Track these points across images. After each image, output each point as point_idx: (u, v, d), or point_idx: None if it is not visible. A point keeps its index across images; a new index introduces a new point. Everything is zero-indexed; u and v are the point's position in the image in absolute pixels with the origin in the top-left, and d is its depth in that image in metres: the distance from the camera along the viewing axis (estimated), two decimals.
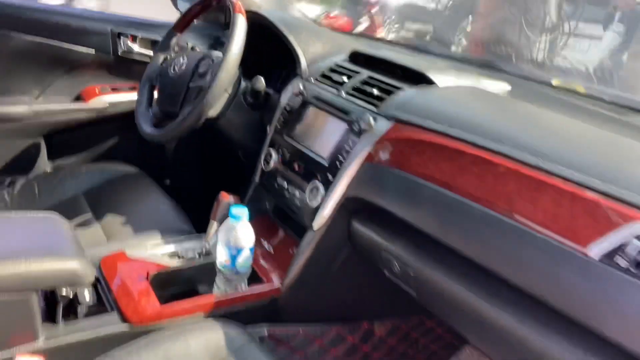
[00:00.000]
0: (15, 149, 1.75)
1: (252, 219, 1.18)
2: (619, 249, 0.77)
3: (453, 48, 2.32)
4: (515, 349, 0.89)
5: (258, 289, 1.22)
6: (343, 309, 1.32)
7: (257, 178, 1.46)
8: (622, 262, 0.76)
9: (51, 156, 1.82)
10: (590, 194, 0.83)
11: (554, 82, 1.48)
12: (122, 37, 1.81)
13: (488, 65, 1.65)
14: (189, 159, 1.96)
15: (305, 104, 1.38)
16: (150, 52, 1.84)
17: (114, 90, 1.84)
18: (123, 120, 1.81)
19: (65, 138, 1.81)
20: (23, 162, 1.76)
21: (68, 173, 1.72)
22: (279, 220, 1.44)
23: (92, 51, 1.79)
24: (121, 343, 1.00)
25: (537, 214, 0.86)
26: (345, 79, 1.35)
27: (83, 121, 1.79)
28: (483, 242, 0.92)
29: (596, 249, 0.79)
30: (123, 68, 1.85)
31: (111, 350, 0.98)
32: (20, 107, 1.71)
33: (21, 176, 1.74)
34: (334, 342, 1.31)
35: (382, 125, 1.15)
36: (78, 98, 1.81)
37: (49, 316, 1.06)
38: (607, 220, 0.80)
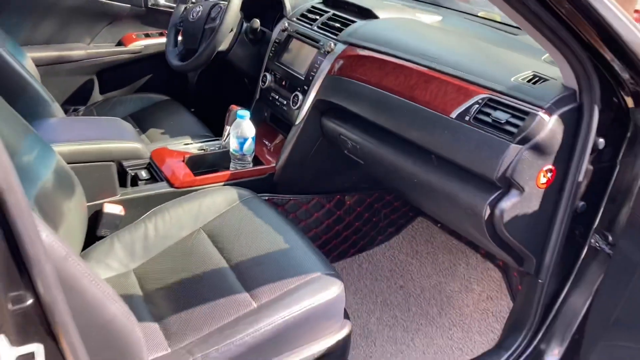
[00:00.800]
0: (76, 84, 2.29)
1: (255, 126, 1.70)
2: (467, 111, 1.28)
3: None
4: (412, 182, 1.42)
5: (259, 167, 1.76)
6: (321, 184, 1.86)
7: (257, 95, 1.98)
8: (467, 118, 1.27)
9: (102, 89, 2.36)
10: (457, 81, 1.33)
11: (480, 13, 1.93)
12: None
13: (438, 4, 2.11)
14: (207, 86, 2.47)
15: (289, 37, 1.88)
16: (173, 4, 2.34)
17: (147, 35, 2.35)
18: (155, 59, 2.33)
19: (112, 74, 2.34)
20: (82, 94, 2.31)
21: (117, 101, 2.26)
22: (274, 125, 1.96)
23: (128, 6, 2.29)
24: (169, 199, 1.55)
25: (426, 96, 1.37)
26: (317, 17, 1.84)
27: (125, 61, 2.32)
28: (396, 118, 1.44)
29: (455, 113, 1.30)
30: (152, 18, 2.35)
31: (164, 202, 1.53)
32: (77, 51, 2.23)
33: (81, 105, 2.29)
34: (316, 207, 1.85)
35: (339, 48, 1.66)
36: (120, 43, 2.33)
37: (121, 184, 1.60)
38: (464, 95, 1.30)
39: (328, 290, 1.23)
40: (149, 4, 2.31)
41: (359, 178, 1.87)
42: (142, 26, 2.36)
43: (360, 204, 1.94)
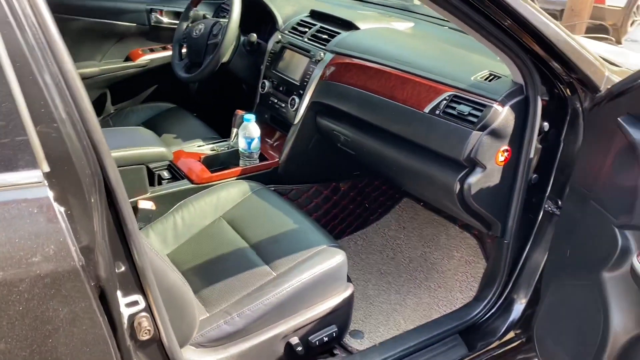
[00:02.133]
0: (90, 98, 2.49)
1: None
2: (437, 106, 1.57)
3: None
4: (393, 165, 1.71)
5: (265, 162, 2.04)
6: (318, 174, 2.14)
7: (257, 100, 2.26)
8: (437, 112, 1.56)
9: (114, 101, 2.62)
10: (428, 82, 1.62)
11: None
12: (153, 12, 2.57)
13: (409, 10, 2.40)
14: (207, 93, 2.74)
15: (283, 48, 2.16)
16: (174, 21, 2.60)
17: (152, 50, 2.61)
18: (160, 71, 2.60)
19: (122, 87, 2.60)
20: (96, 107, 2.55)
21: (129, 111, 2.52)
22: (275, 126, 2.24)
23: (133, 24, 2.54)
24: (191, 194, 1.82)
25: (403, 95, 1.66)
26: (307, 29, 2.12)
27: (133, 74, 2.58)
28: (379, 114, 1.73)
29: (427, 108, 1.59)
30: (156, 34, 2.62)
31: (187, 197, 1.80)
32: (90, 68, 2.49)
33: (97, 116, 2.54)
34: (315, 194, 2.14)
35: (328, 57, 1.94)
36: (127, 58, 2.58)
37: (149, 183, 1.87)
38: (434, 93, 1.59)
39: (333, 259, 1.50)
40: (152, 22, 2.57)
41: (350, 167, 2.16)
42: (147, 42, 2.62)
43: (352, 190, 2.23)
